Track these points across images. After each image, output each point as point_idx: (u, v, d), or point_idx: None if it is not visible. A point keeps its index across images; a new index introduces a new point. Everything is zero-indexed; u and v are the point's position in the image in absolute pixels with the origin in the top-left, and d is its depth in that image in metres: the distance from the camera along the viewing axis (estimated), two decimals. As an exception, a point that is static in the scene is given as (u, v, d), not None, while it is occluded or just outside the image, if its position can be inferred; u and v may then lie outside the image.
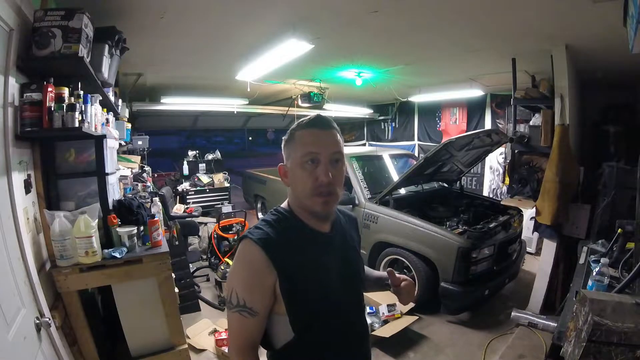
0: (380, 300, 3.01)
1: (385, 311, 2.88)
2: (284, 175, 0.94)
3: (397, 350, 2.68)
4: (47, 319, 1.49)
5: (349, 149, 4.81)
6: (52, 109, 1.55)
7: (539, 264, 3.29)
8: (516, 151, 3.44)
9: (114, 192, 2.36)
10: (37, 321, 1.43)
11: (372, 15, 2.39)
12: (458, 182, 4.44)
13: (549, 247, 3.13)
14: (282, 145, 0.94)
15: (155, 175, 6.46)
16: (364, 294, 1.06)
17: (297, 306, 0.84)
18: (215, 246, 4.08)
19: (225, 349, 2.48)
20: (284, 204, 0.96)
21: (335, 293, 0.90)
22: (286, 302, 0.83)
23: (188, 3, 2.20)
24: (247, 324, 0.83)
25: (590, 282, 1.59)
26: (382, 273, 1.14)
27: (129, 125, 3.94)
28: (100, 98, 2.15)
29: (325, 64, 3.94)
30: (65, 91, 1.61)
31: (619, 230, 1.82)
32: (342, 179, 0.92)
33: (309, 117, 0.91)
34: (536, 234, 3.81)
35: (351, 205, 3.69)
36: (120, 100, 3.42)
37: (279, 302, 0.84)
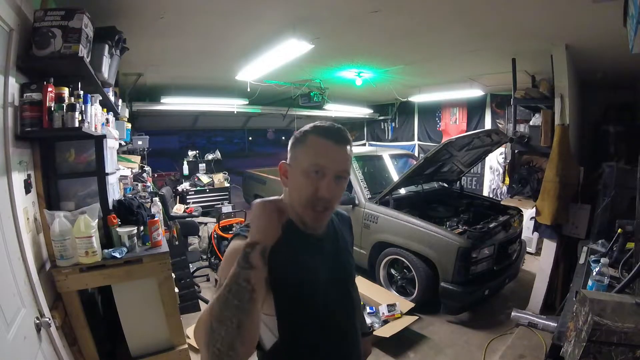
0: (380, 300, 3.01)
1: (385, 311, 2.88)
2: (283, 174, 0.91)
3: (397, 350, 2.68)
4: (47, 319, 1.49)
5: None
6: (52, 109, 1.55)
7: (539, 264, 3.29)
8: (516, 151, 3.44)
9: (114, 192, 2.36)
10: (37, 321, 1.43)
11: (372, 15, 2.39)
12: (458, 182, 4.44)
13: (549, 247, 3.13)
14: (291, 143, 0.90)
15: (155, 175, 6.45)
16: (362, 293, 1.06)
17: (285, 306, 0.83)
18: (215, 246, 4.08)
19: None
20: None
21: (323, 297, 0.89)
22: (274, 301, 0.82)
23: (188, 3, 2.20)
24: None
25: (590, 282, 1.59)
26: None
27: (129, 125, 3.94)
28: (100, 98, 2.15)
29: (325, 64, 3.94)
30: (65, 91, 1.62)
31: (619, 230, 1.82)
32: (341, 196, 0.90)
33: (327, 124, 0.89)
34: (536, 234, 3.81)
35: (351, 205, 3.69)
36: (120, 100, 3.42)
37: (268, 301, 0.82)
